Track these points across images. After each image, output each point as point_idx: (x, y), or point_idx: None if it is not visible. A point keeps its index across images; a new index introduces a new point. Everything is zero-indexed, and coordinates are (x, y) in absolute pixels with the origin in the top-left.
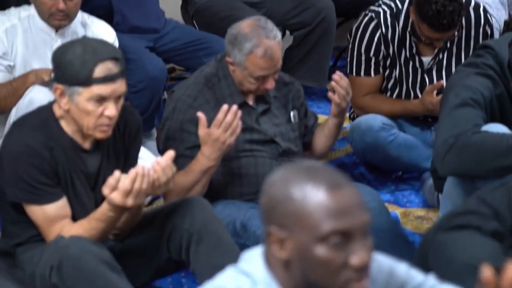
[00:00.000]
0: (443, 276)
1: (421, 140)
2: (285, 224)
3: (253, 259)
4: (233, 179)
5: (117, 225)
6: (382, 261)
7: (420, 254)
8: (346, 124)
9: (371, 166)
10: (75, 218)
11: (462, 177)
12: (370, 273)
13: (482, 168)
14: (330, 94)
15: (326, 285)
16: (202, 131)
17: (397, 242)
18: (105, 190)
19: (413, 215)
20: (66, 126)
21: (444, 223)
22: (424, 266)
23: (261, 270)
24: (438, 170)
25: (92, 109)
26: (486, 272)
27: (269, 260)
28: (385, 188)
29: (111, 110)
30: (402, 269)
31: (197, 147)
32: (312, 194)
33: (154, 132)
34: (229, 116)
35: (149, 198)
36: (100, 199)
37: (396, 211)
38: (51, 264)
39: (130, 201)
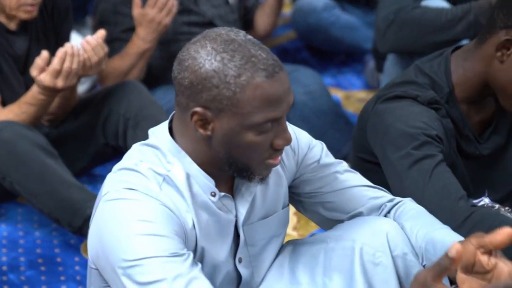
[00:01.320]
0: (380, 144)
1: (364, 22)
2: (215, 108)
3: (160, 132)
4: (172, 64)
5: (50, 110)
6: (305, 136)
7: (359, 125)
8: (288, 9)
9: (314, 51)
10: (5, 103)
11: (402, 54)
12: (292, 146)
13: (421, 43)
14: None
15: (246, 162)
16: (136, 11)
17: (338, 123)
18: (33, 71)
19: (354, 97)
20: None
21: (383, 94)
22: (363, 136)
23: (168, 141)
24: (378, 46)
25: None
26: (455, 250)
27: (182, 132)
28: (328, 71)
29: None
30: (319, 147)
31: (132, 29)
32: (249, 84)
33: (88, 20)
34: None
35: (86, 86)
36: (31, 83)
37: (338, 94)
38: None
39: (60, 82)
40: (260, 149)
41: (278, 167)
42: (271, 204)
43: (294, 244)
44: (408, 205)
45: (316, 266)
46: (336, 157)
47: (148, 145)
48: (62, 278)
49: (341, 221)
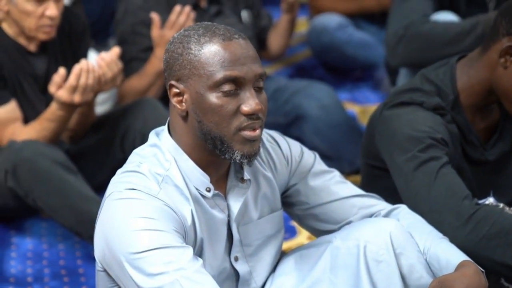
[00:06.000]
0: (387, 148)
1: (379, 39)
2: (183, 76)
3: (160, 131)
4: None
5: (69, 126)
6: (297, 147)
7: (368, 132)
8: (304, 28)
9: (330, 68)
10: (27, 121)
11: (413, 67)
12: (286, 156)
13: (431, 57)
14: None
15: (220, 132)
16: (155, 32)
17: (352, 136)
18: (51, 88)
19: (370, 111)
20: (8, 29)
21: (390, 101)
22: (371, 142)
23: (167, 139)
24: (389, 61)
25: (32, 9)
26: None
27: (173, 126)
28: (344, 87)
29: (51, 10)
30: (312, 157)
31: (150, 49)
32: (207, 45)
33: (111, 41)
34: (182, 17)
35: (107, 107)
36: (51, 101)
37: (354, 108)
38: (5, 169)
39: (77, 98)
40: (226, 114)
41: (269, 172)
42: (262, 206)
43: (301, 248)
44: (404, 211)
45: (322, 264)
46: (350, 169)
47: (148, 145)
48: None
49: (334, 231)
